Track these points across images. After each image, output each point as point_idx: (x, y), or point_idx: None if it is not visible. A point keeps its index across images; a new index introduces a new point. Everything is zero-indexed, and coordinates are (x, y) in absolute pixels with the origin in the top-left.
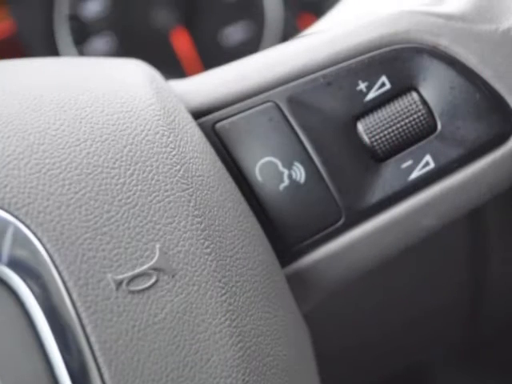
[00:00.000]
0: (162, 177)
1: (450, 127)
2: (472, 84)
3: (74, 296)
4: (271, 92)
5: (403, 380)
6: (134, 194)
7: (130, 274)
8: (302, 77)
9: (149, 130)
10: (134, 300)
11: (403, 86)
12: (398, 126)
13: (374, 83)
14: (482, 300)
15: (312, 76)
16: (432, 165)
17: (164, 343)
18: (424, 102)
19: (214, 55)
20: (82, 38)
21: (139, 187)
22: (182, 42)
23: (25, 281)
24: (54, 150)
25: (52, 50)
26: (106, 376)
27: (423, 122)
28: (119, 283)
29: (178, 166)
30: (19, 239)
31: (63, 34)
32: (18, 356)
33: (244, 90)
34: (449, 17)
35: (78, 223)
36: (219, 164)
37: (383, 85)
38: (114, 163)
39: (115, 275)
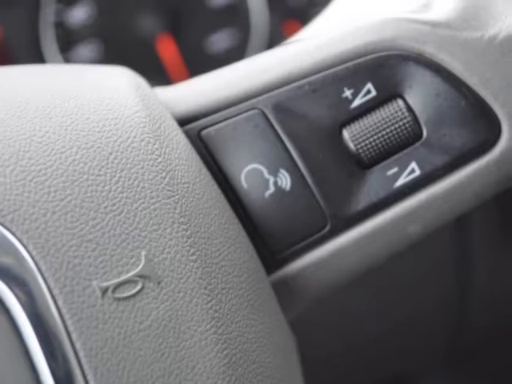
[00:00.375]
0: (147, 184)
1: (436, 134)
2: (457, 91)
3: (60, 303)
4: (257, 99)
5: None
6: (120, 201)
7: (116, 281)
8: (288, 84)
9: (134, 138)
10: (119, 307)
11: (389, 94)
12: (384, 133)
13: (360, 90)
14: (467, 309)
15: (297, 83)
16: (417, 172)
17: (149, 350)
18: (410, 109)
19: (199, 62)
20: (68, 45)
21: (125, 194)
22: (167, 49)
23: (10, 288)
24: (39, 157)
25: (38, 58)
26: (92, 383)
27: (409, 129)
28: (105, 290)
29: (164, 173)
30: (5, 246)
31: (49, 42)
32: (4, 363)
33: (230, 97)
34: (434, 24)
35: (64, 230)
36: (205, 171)
37: (369, 92)
38: (100, 170)
39: (101, 282)
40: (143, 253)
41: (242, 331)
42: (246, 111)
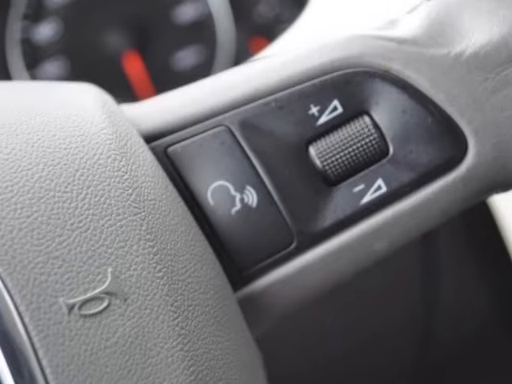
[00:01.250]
0: (113, 201)
1: (402, 151)
2: (424, 108)
3: (26, 320)
4: (223, 116)
5: None
6: (86, 218)
7: (82, 298)
8: (254, 101)
9: (101, 154)
10: (85, 324)
11: (355, 110)
12: (350, 150)
13: (326, 107)
14: (433, 326)
15: (264, 100)
16: (384, 189)
17: (116, 367)
18: (376, 125)
19: (165, 79)
20: (34, 62)
21: (91, 211)
22: (133, 66)
23: None
24: (5, 174)
25: (4, 74)
26: None
27: (375, 145)
28: (71, 307)
29: (130, 190)
30: None
31: (15, 59)
32: None
33: (196, 114)
34: (401, 41)
35: (30, 247)
36: (171, 188)
37: (335, 109)
38: (66, 187)
39: (67, 299)
40: (109, 270)
41: (208, 348)
42: (213, 128)
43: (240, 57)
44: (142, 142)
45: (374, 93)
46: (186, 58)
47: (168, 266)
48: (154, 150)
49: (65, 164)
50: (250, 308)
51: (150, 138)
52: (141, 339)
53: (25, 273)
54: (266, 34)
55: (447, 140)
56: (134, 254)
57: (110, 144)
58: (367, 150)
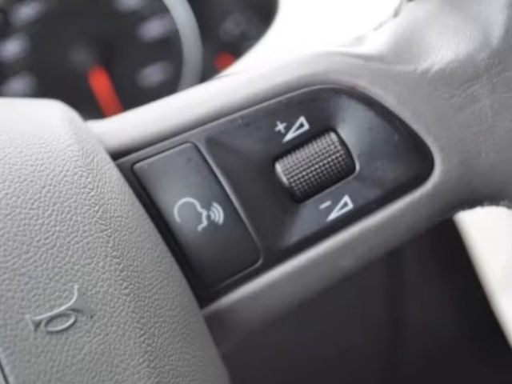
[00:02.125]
0: (80, 217)
1: (369, 168)
2: (390, 125)
3: None
4: (190, 133)
5: None
6: (53, 234)
7: (49, 314)
8: (221, 117)
9: (67, 171)
10: (52, 341)
11: (322, 127)
12: (317, 166)
13: (293, 124)
14: (399, 343)
15: (230, 117)
16: (350, 205)
17: None
18: (342, 142)
19: (132, 96)
20: (1, 78)
21: (58, 228)
22: (100, 83)
23: None
24: None
25: None
26: None
27: (342, 162)
28: (37, 324)
29: (97, 207)
30: None
31: None
32: None
33: (162, 131)
34: (367, 58)
35: None
36: (138, 205)
37: (301, 125)
38: (33, 204)
39: (33, 316)
40: (76, 286)
41: (174, 365)
42: (179, 145)
43: (207, 74)
44: (108, 158)
45: (341, 109)
46: (153, 74)
47: (134, 282)
48: (120, 167)
49: (31, 181)
50: (217, 325)
51: (116, 155)
52: (107, 356)
53: None
54: (233, 51)
55: (413, 157)
56: (100, 271)
57: (77, 161)
58: (334, 167)
